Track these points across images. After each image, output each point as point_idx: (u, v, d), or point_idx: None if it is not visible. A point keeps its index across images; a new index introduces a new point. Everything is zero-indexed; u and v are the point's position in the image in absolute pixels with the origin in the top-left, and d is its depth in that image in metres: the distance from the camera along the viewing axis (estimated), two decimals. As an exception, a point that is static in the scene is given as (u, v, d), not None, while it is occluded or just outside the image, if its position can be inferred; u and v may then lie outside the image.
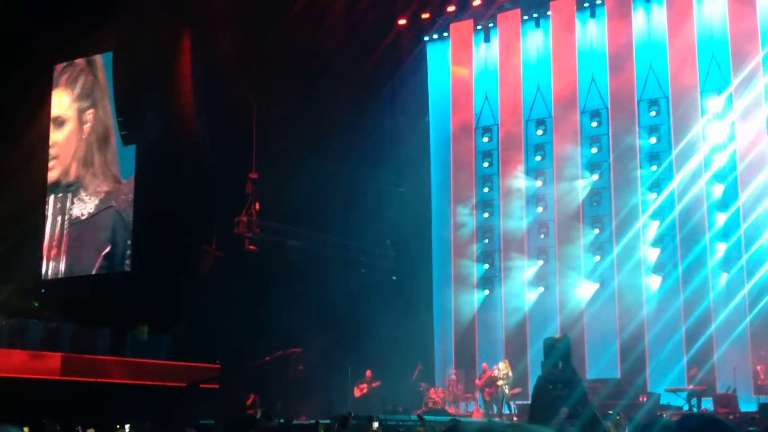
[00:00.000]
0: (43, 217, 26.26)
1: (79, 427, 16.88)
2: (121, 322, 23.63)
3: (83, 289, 24.56)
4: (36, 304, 24.49)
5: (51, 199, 26.49)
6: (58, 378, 20.52)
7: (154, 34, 23.69)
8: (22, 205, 24.98)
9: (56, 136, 26.56)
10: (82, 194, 25.87)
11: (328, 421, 18.15)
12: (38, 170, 26.40)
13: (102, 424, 17.05)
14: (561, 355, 17.70)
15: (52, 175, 26.55)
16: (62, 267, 25.88)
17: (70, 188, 26.15)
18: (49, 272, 26.03)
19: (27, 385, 19.67)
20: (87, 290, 24.47)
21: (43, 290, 25.66)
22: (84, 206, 25.75)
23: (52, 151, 26.58)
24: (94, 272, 25.26)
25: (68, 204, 26.05)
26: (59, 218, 26.23)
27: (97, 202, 25.57)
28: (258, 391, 22.70)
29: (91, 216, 25.60)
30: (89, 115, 25.99)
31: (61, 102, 26.65)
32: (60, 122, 26.53)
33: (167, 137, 23.77)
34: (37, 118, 26.25)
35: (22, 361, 20.44)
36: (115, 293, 23.76)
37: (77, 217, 25.88)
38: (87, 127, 26.00)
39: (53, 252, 26.02)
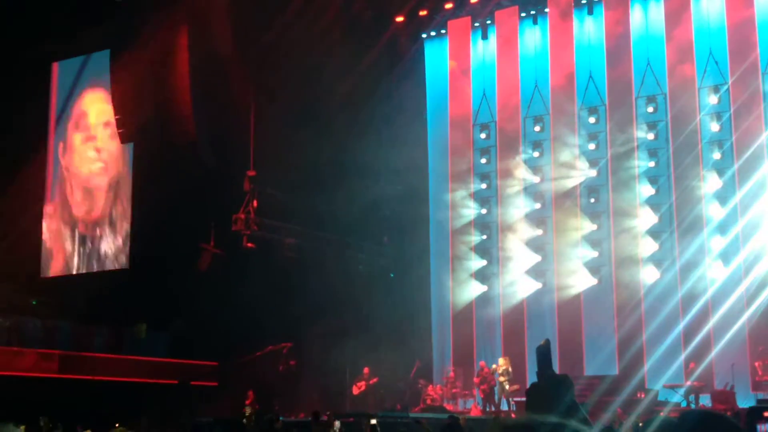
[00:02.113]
0: (41, 216, 26.24)
1: (79, 426, 16.88)
2: (120, 320, 23.64)
3: (81, 287, 24.55)
4: (34, 302, 24.48)
5: (77, 234, 26.44)
6: (56, 376, 20.52)
7: (152, 31, 23.68)
8: (21, 203, 24.97)
9: (106, 138, 26.54)
10: (111, 230, 25.87)
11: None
12: (38, 167, 26.38)
13: (100, 422, 17.05)
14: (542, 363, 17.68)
15: (98, 181, 26.38)
16: (53, 249, 25.61)
17: (98, 224, 26.09)
18: (43, 254, 25.79)
19: (25, 383, 19.66)
20: (85, 288, 24.46)
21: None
22: (111, 242, 25.75)
23: (94, 155, 26.54)
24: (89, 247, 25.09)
25: (97, 239, 26.00)
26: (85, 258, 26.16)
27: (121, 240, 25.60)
28: (253, 387, 22.70)
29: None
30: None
31: (105, 100, 26.51)
32: (107, 123, 26.49)
33: (165, 135, 23.75)
34: (35, 115, 26.22)
35: (20, 359, 20.43)
36: (113, 291, 23.75)
37: (105, 252, 25.91)
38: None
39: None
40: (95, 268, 25.43)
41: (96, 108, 26.69)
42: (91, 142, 26.85)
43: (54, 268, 26.03)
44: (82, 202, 26.43)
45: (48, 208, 26.46)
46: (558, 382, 17.18)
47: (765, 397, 20.88)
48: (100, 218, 25.74)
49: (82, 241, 26.01)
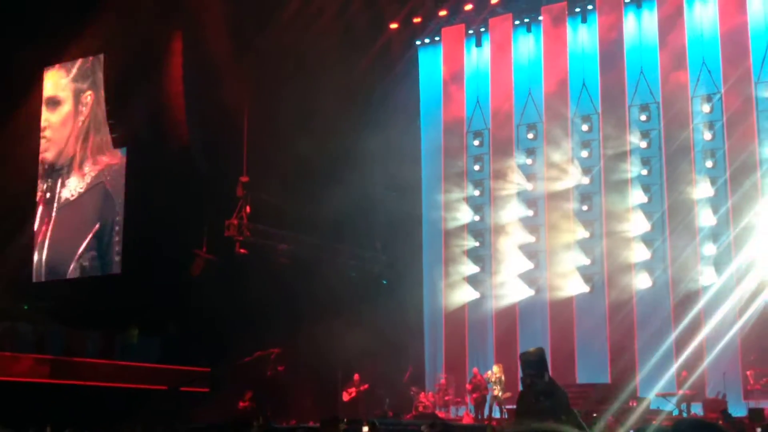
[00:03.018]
0: (33, 218, 26.13)
1: (69, 431, 16.79)
2: (111, 325, 23.57)
3: (73, 292, 24.47)
4: (25, 307, 24.40)
5: (44, 186, 26.12)
6: (47, 381, 20.44)
7: (146, 35, 23.63)
8: (9, 208, 24.87)
9: (51, 117, 25.99)
10: (73, 174, 25.49)
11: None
12: (26, 175, 26.26)
13: (92, 428, 16.97)
14: (541, 367, 17.68)
15: (46, 156, 26.03)
16: (45, 252, 25.43)
17: (60, 171, 25.79)
18: (37, 261, 25.61)
19: (16, 389, 19.59)
20: (76, 293, 24.37)
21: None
22: (75, 185, 25.38)
23: (46, 133, 26.04)
24: (79, 252, 24.85)
25: (58, 187, 25.70)
26: (49, 205, 25.84)
27: (88, 180, 25.26)
28: (245, 393, 22.66)
29: (81, 195, 25.27)
30: (87, 97, 25.67)
31: (59, 82, 26.13)
32: (54, 102, 26.04)
33: (158, 140, 23.71)
34: (23, 119, 26.12)
35: (11, 364, 20.35)
36: (105, 296, 23.68)
37: (66, 199, 25.48)
38: (85, 109, 25.63)
39: (40, 238, 25.68)
40: (84, 250, 25.17)
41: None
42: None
43: (39, 256, 25.71)
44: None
45: (38, 197, 26.18)
46: (557, 386, 17.21)
47: (756, 406, 20.90)
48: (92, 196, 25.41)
49: (72, 220, 25.71)
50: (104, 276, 24.62)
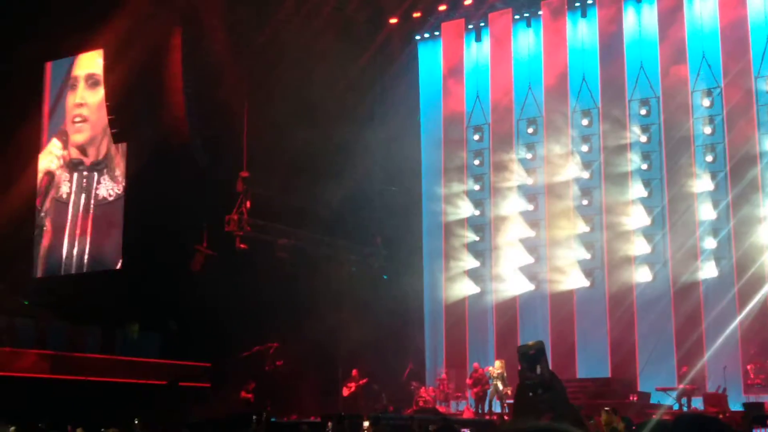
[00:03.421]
0: (34, 216, 26.13)
1: (69, 426, 16.83)
2: (112, 321, 23.57)
3: (73, 288, 24.48)
4: (26, 303, 24.41)
5: (75, 176, 25.90)
6: (48, 376, 20.45)
7: (145, 32, 23.63)
8: (12, 203, 24.89)
9: (89, 96, 25.67)
10: (108, 173, 25.30)
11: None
12: (29, 171, 26.28)
13: (92, 423, 17.00)
14: (536, 361, 17.75)
15: (77, 138, 25.78)
16: (87, 247, 25.33)
17: (97, 166, 25.66)
18: (73, 254, 25.49)
19: (17, 384, 19.60)
20: (77, 288, 24.38)
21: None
22: (112, 186, 25.21)
23: (82, 111, 25.76)
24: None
25: (94, 182, 25.58)
26: (83, 197, 25.70)
27: (124, 183, 25.08)
28: (245, 388, 22.68)
29: (119, 197, 25.13)
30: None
31: (95, 62, 25.73)
32: (94, 82, 25.69)
33: (158, 136, 23.71)
34: (28, 116, 26.14)
35: (12, 359, 20.36)
36: (105, 291, 23.69)
37: (104, 197, 25.33)
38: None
39: (77, 233, 25.51)
40: (88, 268, 25.24)
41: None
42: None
43: (81, 251, 25.62)
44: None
45: (74, 187, 26.09)
46: (556, 380, 17.24)
47: (756, 401, 20.92)
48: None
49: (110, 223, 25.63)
50: (104, 271, 24.64)
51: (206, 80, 23.86)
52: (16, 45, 24.22)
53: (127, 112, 24.62)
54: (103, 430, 15.73)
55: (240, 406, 22.01)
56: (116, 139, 24.93)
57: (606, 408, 15.31)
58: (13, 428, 15.49)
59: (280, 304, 23.54)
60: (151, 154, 23.75)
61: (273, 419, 19.74)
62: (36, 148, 26.38)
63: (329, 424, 17.97)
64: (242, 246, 23.61)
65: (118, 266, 24.56)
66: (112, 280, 24.27)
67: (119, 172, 25.10)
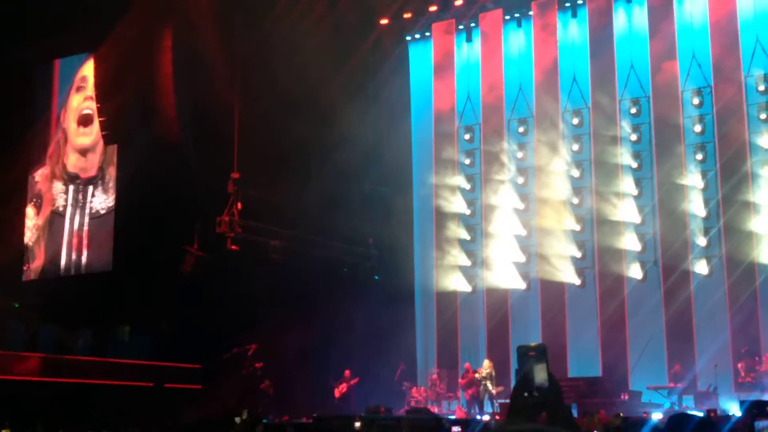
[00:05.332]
0: (24, 216, 26.07)
1: (61, 429, 16.82)
2: (103, 323, 23.54)
3: (64, 290, 24.44)
4: (16, 305, 24.37)
5: (71, 188, 25.96)
6: (38, 379, 20.41)
7: (135, 32, 23.61)
8: (3, 206, 24.87)
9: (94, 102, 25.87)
10: (102, 186, 25.35)
11: None
12: (18, 173, 26.23)
13: (83, 426, 16.98)
14: (537, 362, 17.80)
15: (82, 141, 25.78)
16: (84, 260, 25.32)
17: (92, 181, 25.66)
18: (72, 267, 25.44)
19: (7, 386, 19.55)
20: (68, 291, 24.35)
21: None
22: (104, 199, 25.22)
23: (86, 104, 25.78)
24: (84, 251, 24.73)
25: (89, 196, 25.57)
26: (78, 211, 25.69)
27: (115, 195, 25.14)
28: (233, 389, 22.63)
29: (110, 209, 25.12)
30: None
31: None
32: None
33: (149, 136, 23.69)
34: (20, 117, 26.09)
35: (2, 362, 20.31)
36: (96, 293, 23.66)
37: (97, 211, 25.35)
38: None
39: (75, 244, 25.47)
40: (79, 271, 25.20)
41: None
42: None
43: (77, 263, 25.59)
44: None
45: (69, 200, 26.07)
46: (552, 381, 17.24)
47: (747, 399, 20.94)
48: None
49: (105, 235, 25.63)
50: (95, 273, 24.60)
51: (197, 81, 23.83)
52: (3, 47, 24.18)
53: (117, 113, 24.59)
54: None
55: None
56: (107, 141, 24.90)
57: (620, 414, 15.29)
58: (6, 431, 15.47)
59: (272, 305, 23.53)
60: (142, 156, 23.72)
61: (265, 420, 19.71)
62: (26, 153, 26.31)
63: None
64: (233, 247, 23.58)
65: (109, 269, 24.51)
66: (103, 282, 24.23)
67: (111, 184, 25.09)
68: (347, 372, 24.57)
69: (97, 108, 25.05)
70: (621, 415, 16.24)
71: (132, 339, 23.59)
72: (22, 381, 20.11)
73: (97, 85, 25.07)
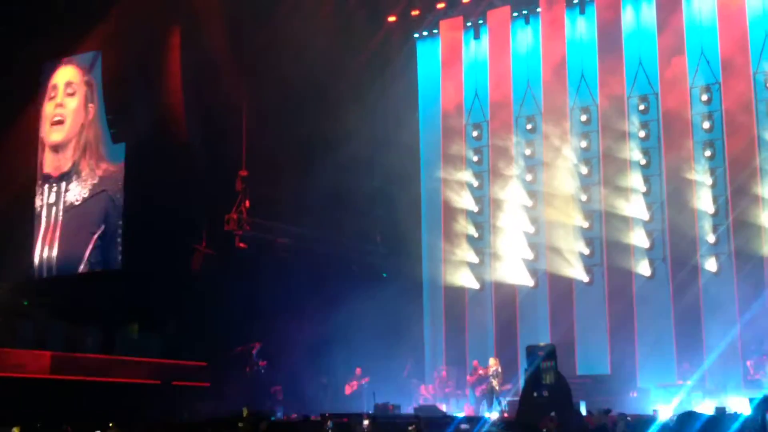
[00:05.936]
0: (33, 215, 26.13)
1: (69, 427, 16.85)
2: (112, 321, 23.58)
3: (73, 288, 24.49)
4: (26, 303, 24.44)
5: (46, 188, 26.16)
6: (48, 377, 20.46)
7: (144, 31, 23.66)
8: (10, 204, 24.91)
9: (68, 102, 26.04)
10: (77, 180, 25.53)
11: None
12: (28, 171, 26.28)
13: (92, 423, 17.01)
14: (546, 361, 17.80)
15: (55, 137, 26.05)
16: (55, 253, 25.46)
17: (65, 177, 25.79)
18: (44, 259, 25.59)
19: (16, 385, 19.60)
20: (77, 289, 24.40)
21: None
22: (79, 191, 25.40)
23: (58, 111, 26.03)
24: (87, 254, 24.84)
25: (63, 191, 25.70)
26: (54, 208, 25.87)
27: (90, 186, 25.27)
28: (240, 387, 22.66)
29: (85, 200, 25.29)
30: (91, 108, 25.66)
31: (75, 74, 26.09)
32: (72, 91, 26.03)
33: (157, 135, 23.71)
34: (25, 116, 26.16)
35: (11, 360, 20.37)
36: (105, 292, 23.71)
37: (71, 203, 25.54)
38: (90, 111, 25.61)
39: (48, 239, 25.64)
40: (90, 254, 25.18)
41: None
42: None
43: (50, 257, 25.69)
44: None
45: (44, 199, 26.16)
46: (561, 380, 17.19)
47: (755, 397, 20.84)
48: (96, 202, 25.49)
49: (78, 224, 25.72)
50: (104, 272, 24.64)
51: (205, 79, 23.86)
52: (11, 45, 24.24)
53: (126, 111, 24.63)
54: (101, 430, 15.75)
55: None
56: (115, 139, 24.95)
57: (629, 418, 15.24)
58: (16, 429, 15.49)
59: (280, 303, 23.54)
60: (150, 154, 23.76)
61: (273, 418, 19.75)
62: (32, 148, 26.36)
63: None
64: (242, 245, 23.63)
65: (118, 267, 24.56)
66: (112, 280, 24.28)
67: (87, 177, 25.25)
68: (358, 370, 24.58)
69: (106, 106, 25.06)
70: (610, 410, 16.16)
71: (140, 337, 23.63)
72: (29, 378, 20.15)
73: (106, 83, 25.09)
